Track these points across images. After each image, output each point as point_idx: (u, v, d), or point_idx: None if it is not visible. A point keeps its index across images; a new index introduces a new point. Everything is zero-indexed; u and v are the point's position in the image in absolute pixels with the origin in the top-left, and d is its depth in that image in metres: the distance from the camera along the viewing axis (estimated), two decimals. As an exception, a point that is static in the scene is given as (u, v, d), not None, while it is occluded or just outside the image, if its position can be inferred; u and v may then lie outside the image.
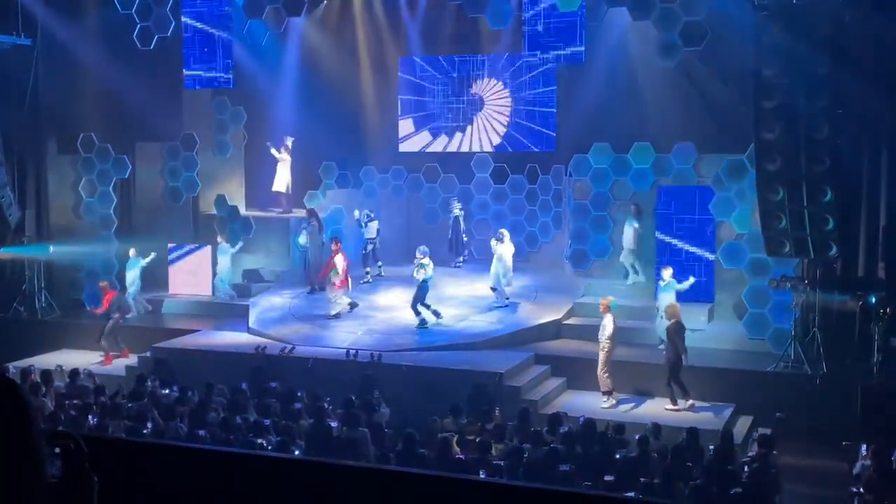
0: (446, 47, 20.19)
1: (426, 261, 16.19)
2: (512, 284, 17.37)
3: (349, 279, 17.03)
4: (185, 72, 19.53)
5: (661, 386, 14.18)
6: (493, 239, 17.23)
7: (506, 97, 20.02)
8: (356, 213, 19.27)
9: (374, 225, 19.06)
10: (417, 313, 16.29)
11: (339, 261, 16.79)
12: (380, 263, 19.15)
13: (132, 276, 18.56)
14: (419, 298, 16.27)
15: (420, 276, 16.13)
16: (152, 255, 18.67)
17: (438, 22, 19.84)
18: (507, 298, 17.10)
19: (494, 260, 16.99)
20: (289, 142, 20.27)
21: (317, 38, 20.56)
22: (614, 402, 14.13)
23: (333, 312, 16.94)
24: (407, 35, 20.27)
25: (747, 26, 14.45)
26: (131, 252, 18.73)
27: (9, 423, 1.76)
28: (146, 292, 19.01)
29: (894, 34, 14.31)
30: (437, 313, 16.37)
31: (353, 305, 17.14)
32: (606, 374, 14.07)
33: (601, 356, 14.09)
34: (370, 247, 19.06)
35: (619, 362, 14.38)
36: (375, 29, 20.53)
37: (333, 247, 17.04)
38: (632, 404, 14.26)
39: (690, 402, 13.88)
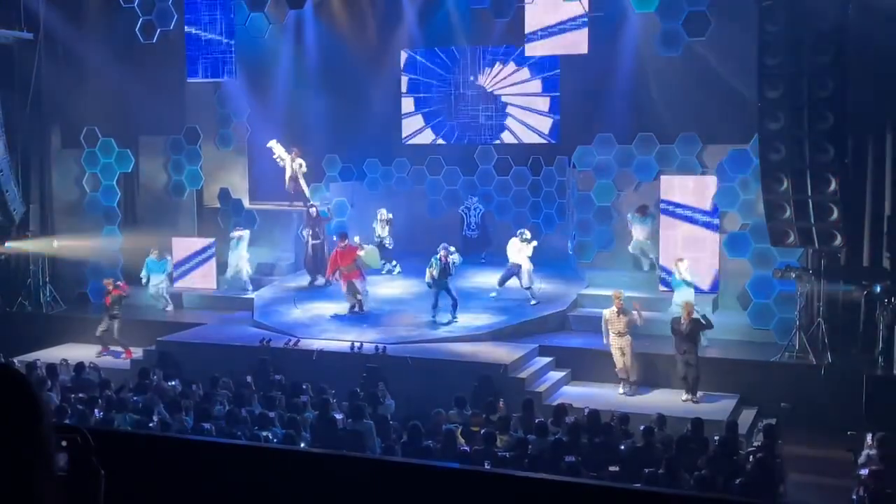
0: (449, 39, 20.14)
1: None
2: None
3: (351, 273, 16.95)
4: (187, 65, 19.51)
5: (669, 377, 14.27)
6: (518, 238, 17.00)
7: (509, 88, 19.97)
8: (384, 212, 19.12)
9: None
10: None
11: (355, 253, 16.80)
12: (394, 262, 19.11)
13: (160, 279, 18.52)
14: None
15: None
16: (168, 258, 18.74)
17: (441, 13, 19.79)
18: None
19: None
20: (293, 151, 20.01)
21: (319, 30, 20.53)
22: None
23: (364, 306, 16.86)
24: (409, 27, 20.23)
25: (751, 15, 14.41)
26: (154, 253, 18.52)
27: (19, 416, 1.77)
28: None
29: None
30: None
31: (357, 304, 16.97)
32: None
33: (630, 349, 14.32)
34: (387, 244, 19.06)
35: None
36: (378, 20, 20.48)
37: (342, 242, 16.99)
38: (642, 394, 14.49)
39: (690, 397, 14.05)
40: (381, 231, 19.02)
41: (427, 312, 16.25)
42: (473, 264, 18.62)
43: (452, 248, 16.21)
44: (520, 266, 16.69)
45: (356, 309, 16.78)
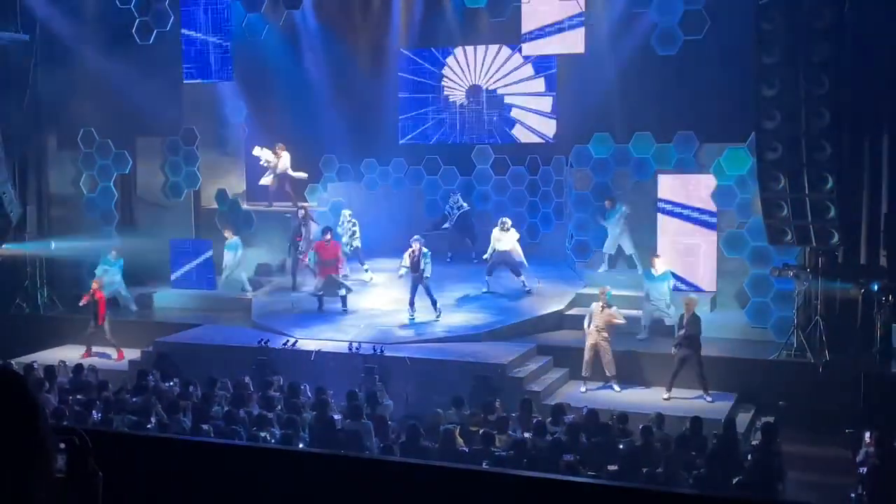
0: (446, 39, 20.14)
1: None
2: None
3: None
4: (183, 66, 19.50)
5: (662, 376, 14.26)
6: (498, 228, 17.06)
7: (506, 88, 19.97)
8: (347, 213, 18.95)
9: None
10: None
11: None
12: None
13: (115, 276, 18.31)
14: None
15: (429, 271, 16.09)
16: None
17: (438, 13, 19.80)
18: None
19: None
20: (279, 148, 19.94)
21: (316, 30, 20.52)
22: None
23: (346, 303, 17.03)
24: (406, 27, 20.22)
25: (747, 14, 14.42)
26: (112, 253, 18.34)
27: (17, 418, 1.77)
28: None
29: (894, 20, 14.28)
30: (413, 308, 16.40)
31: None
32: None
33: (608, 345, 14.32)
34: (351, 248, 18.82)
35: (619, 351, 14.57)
36: (374, 21, 20.47)
37: (326, 237, 17.10)
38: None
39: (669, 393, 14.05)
40: (351, 240, 18.46)
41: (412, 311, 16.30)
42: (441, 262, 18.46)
43: (422, 239, 16.25)
44: (503, 254, 16.77)
45: (343, 306, 16.92)
